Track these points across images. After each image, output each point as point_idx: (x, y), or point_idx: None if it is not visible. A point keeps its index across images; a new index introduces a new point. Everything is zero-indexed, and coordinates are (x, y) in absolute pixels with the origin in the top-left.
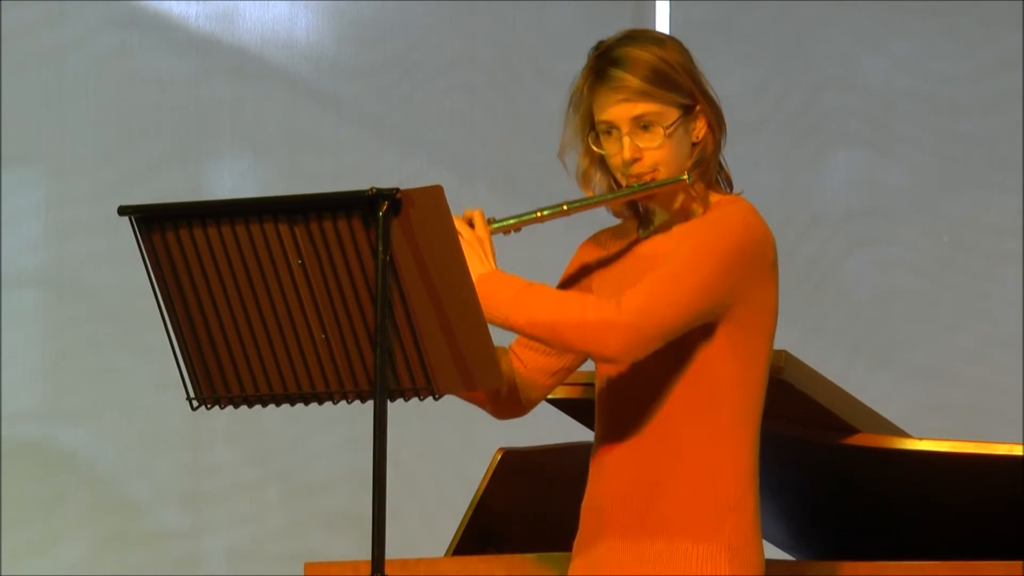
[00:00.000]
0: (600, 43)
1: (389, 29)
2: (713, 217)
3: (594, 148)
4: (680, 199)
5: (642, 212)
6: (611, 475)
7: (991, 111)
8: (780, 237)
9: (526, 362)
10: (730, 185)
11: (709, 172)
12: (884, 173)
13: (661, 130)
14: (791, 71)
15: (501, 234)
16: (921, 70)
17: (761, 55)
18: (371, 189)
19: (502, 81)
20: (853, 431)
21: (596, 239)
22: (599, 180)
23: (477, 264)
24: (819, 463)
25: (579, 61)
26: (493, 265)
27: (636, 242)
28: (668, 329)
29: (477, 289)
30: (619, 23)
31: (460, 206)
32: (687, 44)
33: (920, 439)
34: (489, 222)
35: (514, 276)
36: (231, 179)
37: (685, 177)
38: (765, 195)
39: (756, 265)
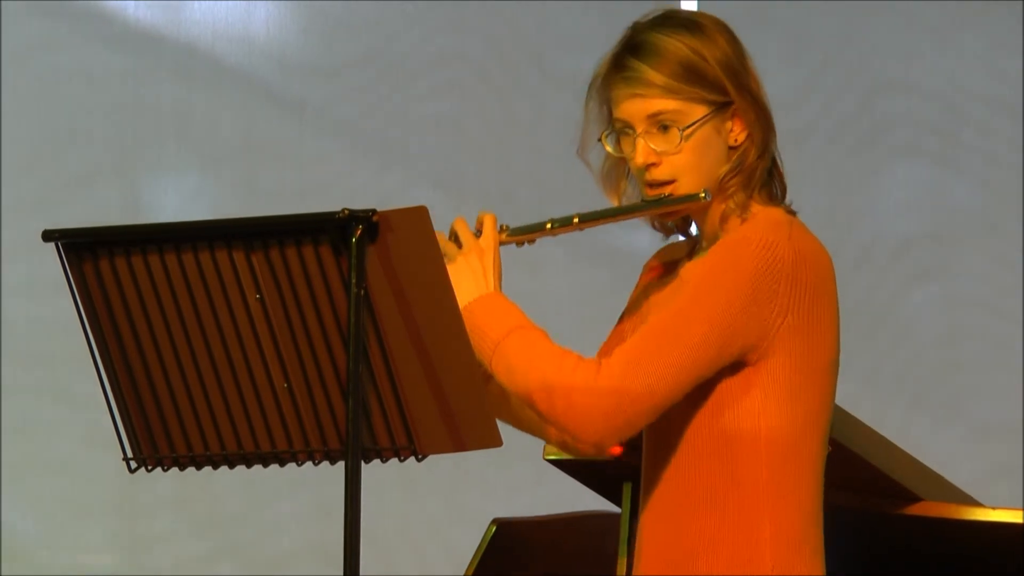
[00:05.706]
0: (635, 24)
1: (363, 21)
2: (729, 240)
3: (609, 150)
4: (714, 212)
5: (676, 228)
6: (644, 543)
7: None
8: None
9: None
10: (784, 196)
11: (753, 182)
12: (951, 191)
13: (679, 131)
14: (840, 71)
15: (513, 245)
16: (996, 68)
17: (804, 52)
18: (343, 210)
19: (497, 81)
20: (915, 499)
21: (655, 258)
22: (625, 188)
23: (471, 285)
24: (875, 536)
25: (589, 56)
26: (492, 286)
27: (675, 266)
28: (657, 402)
29: (465, 316)
30: (638, 9)
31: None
32: None
33: (993, 508)
34: (502, 229)
35: (512, 308)
36: (176, 197)
37: (702, 195)
38: (810, 218)
39: (785, 292)
